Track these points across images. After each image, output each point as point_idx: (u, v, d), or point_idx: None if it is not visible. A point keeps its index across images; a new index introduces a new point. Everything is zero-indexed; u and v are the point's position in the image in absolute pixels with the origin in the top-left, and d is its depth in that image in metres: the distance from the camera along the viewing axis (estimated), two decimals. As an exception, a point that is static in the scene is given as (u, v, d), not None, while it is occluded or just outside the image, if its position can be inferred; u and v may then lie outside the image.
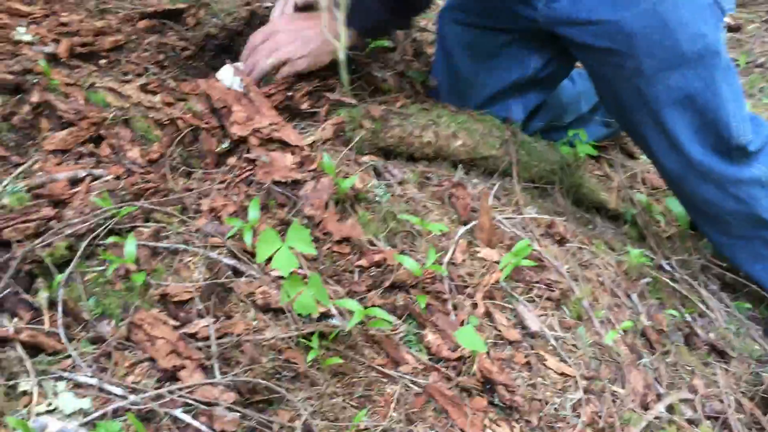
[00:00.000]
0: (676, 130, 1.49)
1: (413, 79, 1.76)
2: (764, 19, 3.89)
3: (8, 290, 0.91)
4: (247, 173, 1.24)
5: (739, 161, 1.53)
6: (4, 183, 1.05)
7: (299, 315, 0.98)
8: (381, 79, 1.67)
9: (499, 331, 1.21)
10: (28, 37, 1.36)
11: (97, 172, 1.13)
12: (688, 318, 1.55)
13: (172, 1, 1.74)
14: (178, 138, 1.28)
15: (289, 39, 1.43)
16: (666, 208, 1.89)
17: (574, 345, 1.26)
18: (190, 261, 1.08)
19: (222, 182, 1.24)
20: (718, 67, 1.46)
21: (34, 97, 1.20)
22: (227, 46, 1.64)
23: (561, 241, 1.54)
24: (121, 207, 1.03)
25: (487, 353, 1.12)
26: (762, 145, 1.55)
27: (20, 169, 1.10)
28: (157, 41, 1.55)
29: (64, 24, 1.47)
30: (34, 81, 1.24)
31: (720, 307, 1.66)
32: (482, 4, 1.70)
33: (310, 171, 1.27)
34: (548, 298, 1.33)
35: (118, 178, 1.14)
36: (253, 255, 1.09)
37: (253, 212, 1.12)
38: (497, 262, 1.32)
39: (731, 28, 3.93)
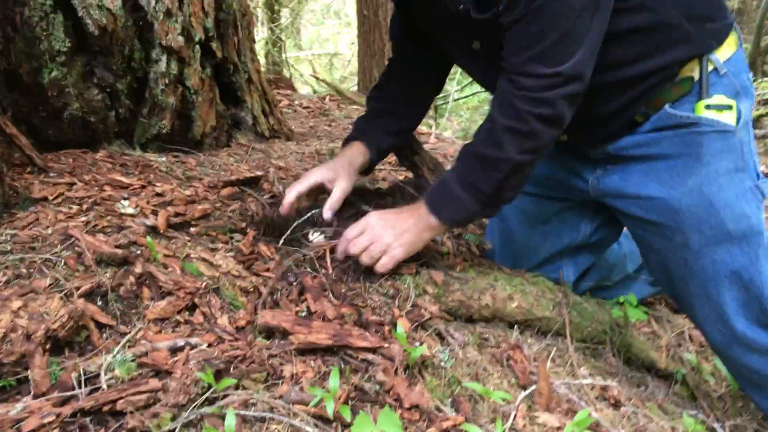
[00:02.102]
0: (722, 303, 1.57)
1: (469, 242, 1.88)
2: (797, 169, 4.03)
3: (119, 459, 1.00)
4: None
5: (782, 333, 1.59)
6: (114, 352, 1.17)
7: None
8: (440, 242, 1.80)
9: (564, 501, 1.25)
10: (130, 210, 1.53)
11: (193, 341, 1.25)
12: (745, 486, 1.56)
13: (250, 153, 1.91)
14: (262, 305, 1.40)
15: (385, 231, 1.52)
16: (715, 368, 1.93)
17: None
18: (275, 429, 1.17)
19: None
20: (761, 245, 1.55)
21: (138, 268, 1.34)
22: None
23: (616, 405, 1.59)
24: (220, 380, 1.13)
25: None
26: (803, 318, 1.62)
27: (126, 338, 1.22)
28: (239, 208, 1.71)
29: (159, 194, 1.65)
30: (138, 252, 1.38)
31: (776, 473, 1.67)
32: (537, 176, 1.84)
33: (382, 338, 1.37)
34: (608, 467, 1.37)
35: (210, 345, 1.25)
36: (332, 422, 1.18)
37: (334, 382, 1.21)
38: (559, 429, 1.38)
39: (767, 175, 4.07)
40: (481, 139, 1.47)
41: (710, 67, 1.53)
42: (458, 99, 8.05)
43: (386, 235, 1.51)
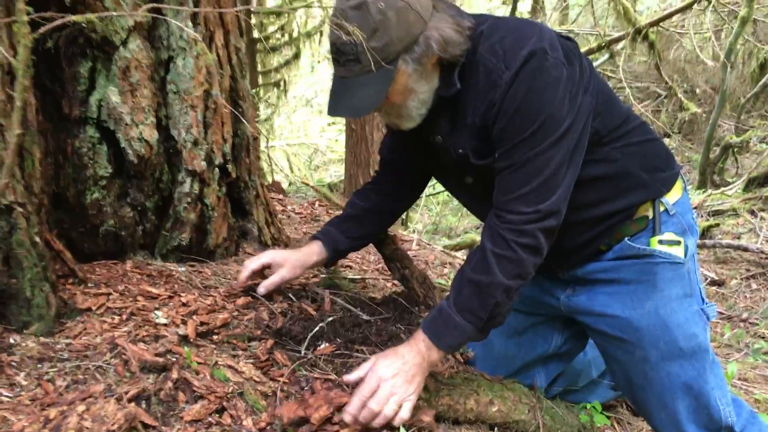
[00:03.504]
0: (676, 411, 1.81)
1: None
2: (744, 276, 4.39)
3: None
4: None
5: (727, 438, 1.84)
6: (161, 452, 1.36)
7: None
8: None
9: None
10: (163, 320, 1.75)
11: (225, 441, 1.44)
12: None
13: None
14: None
15: (397, 381, 1.58)
16: (671, 468, 2.16)
17: None
18: None
19: (314, 447, 1.54)
20: (707, 360, 1.81)
21: (174, 375, 1.55)
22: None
23: (584, 502, 1.81)
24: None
25: None
26: (744, 424, 1.87)
27: (168, 438, 1.41)
28: (254, 317, 1.93)
29: (185, 304, 1.87)
30: (173, 360, 1.59)
31: None
32: None
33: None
34: None
35: (239, 445, 1.45)
36: None
37: (348, 480, 1.41)
38: None
39: (716, 283, 4.41)
40: (473, 267, 1.66)
41: (662, 208, 1.82)
42: (429, 195, 8.45)
43: (399, 385, 1.59)
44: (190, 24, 2.02)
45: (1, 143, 1.50)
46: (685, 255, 1.81)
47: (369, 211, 2.12)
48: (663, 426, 1.88)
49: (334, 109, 1.63)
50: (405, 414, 1.58)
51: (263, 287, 1.98)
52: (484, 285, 1.64)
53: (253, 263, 2.02)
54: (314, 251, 2.06)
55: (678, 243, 1.81)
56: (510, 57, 1.58)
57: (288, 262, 2.02)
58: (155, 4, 1.45)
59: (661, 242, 1.80)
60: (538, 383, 2.12)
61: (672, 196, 1.84)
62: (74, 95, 1.87)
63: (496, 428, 1.92)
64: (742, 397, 2.82)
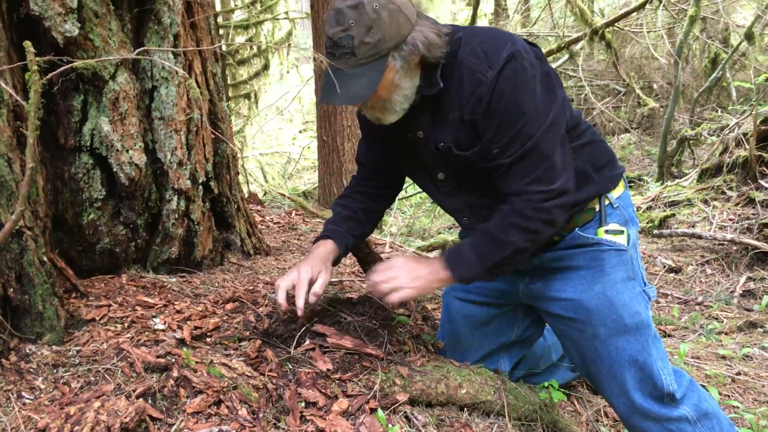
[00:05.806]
0: (624, 381, 2.04)
1: (426, 342, 2.32)
2: (699, 262, 4.66)
3: None
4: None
5: (669, 404, 2.06)
6: (171, 439, 1.55)
7: None
8: (402, 341, 2.24)
9: None
10: (161, 326, 1.93)
11: (225, 428, 1.64)
12: None
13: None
14: (270, 398, 1.80)
15: (403, 273, 1.97)
16: (625, 438, 2.39)
17: None
18: (291, 492, 1.56)
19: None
20: (649, 335, 2.04)
21: (175, 373, 1.74)
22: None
23: (546, 473, 2.03)
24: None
25: None
26: (685, 392, 2.10)
27: (174, 428, 1.60)
28: (242, 320, 2.12)
29: (179, 311, 2.06)
30: (173, 360, 1.78)
31: None
32: (481, 287, 2.31)
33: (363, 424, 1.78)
34: None
35: (237, 431, 1.65)
36: (332, 487, 1.58)
37: (333, 455, 1.61)
38: (501, 488, 1.80)
39: (673, 270, 4.68)
40: (496, 225, 1.92)
41: (606, 202, 2.05)
42: (402, 198, 8.67)
43: (403, 276, 1.97)
44: (170, 56, 2.21)
45: (9, 174, 1.69)
46: (628, 243, 2.04)
47: (362, 211, 2.31)
48: (614, 396, 2.10)
49: (328, 98, 1.81)
50: (394, 297, 1.97)
51: (313, 295, 2.04)
52: (500, 241, 1.91)
53: (303, 289, 2.03)
54: (330, 249, 2.18)
55: (621, 232, 2.03)
56: (492, 58, 1.80)
57: (322, 268, 2.10)
58: (143, 47, 1.64)
59: (606, 232, 2.03)
60: (503, 367, 2.34)
61: (616, 192, 2.07)
62: (69, 126, 2.05)
63: (465, 409, 2.13)
64: (694, 373, 3.08)
